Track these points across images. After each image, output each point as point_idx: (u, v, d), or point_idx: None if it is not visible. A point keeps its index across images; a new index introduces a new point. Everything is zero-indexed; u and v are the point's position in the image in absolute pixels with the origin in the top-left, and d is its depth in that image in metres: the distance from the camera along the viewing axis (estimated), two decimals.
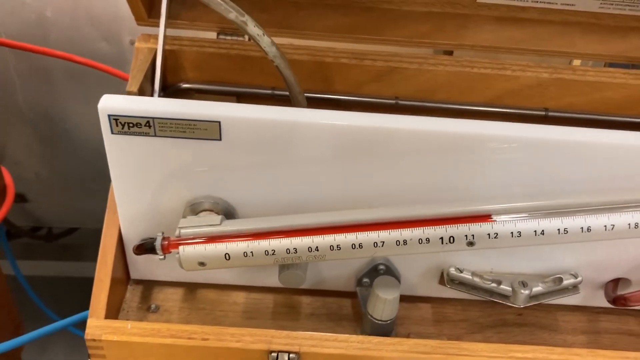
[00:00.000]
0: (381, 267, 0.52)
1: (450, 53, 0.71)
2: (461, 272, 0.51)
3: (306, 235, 0.44)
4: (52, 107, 1.03)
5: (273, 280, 0.53)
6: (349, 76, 0.59)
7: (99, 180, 1.14)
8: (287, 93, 0.54)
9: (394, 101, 0.60)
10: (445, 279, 0.52)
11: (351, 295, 0.56)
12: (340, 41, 0.60)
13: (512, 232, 0.44)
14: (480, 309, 0.56)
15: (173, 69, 0.58)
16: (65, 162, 1.13)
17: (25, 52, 0.90)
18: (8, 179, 0.83)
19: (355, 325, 0.54)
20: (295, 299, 0.56)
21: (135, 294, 0.55)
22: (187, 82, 0.59)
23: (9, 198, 0.80)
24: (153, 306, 0.54)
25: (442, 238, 0.44)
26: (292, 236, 0.45)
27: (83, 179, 1.15)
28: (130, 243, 0.51)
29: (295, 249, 0.44)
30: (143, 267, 0.54)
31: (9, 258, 1.03)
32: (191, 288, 0.56)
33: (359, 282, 0.54)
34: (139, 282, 0.56)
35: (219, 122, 0.44)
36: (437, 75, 0.59)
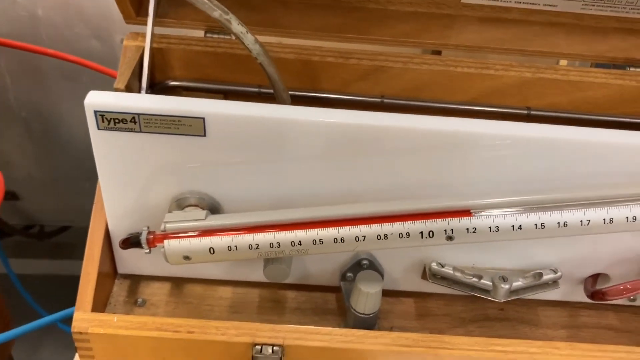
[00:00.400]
0: (365, 261, 0.53)
1: (438, 53, 0.72)
2: (443, 266, 0.52)
3: (289, 230, 0.45)
4: (43, 106, 1.04)
5: (259, 275, 0.54)
6: (335, 75, 0.60)
7: (90, 178, 1.14)
8: (271, 92, 0.54)
9: (379, 100, 0.60)
10: (427, 273, 0.53)
11: (335, 289, 0.57)
12: (326, 40, 0.61)
13: (490, 227, 0.45)
14: (462, 303, 0.57)
15: (161, 66, 0.59)
16: (57, 160, 1.13)
17: (17, 51, 0.90)
18: None
19: (339, 319, 0.55)
20: (280, 293, 0.57)
21: (122, 288, 0.56)
22: (175, 80, 0.60)
23: None
24: (140, 300, 0.55)
25: (422, 232, 0.45)
26: (276, 231, 0.45)
27: (75, 177, 1.16)
28: (117, 238, 0.52)
29: (279, 243, 0.45)
30: (130, 261, 0.55)
31: (1, 256, 1.04)
32: (178, 283, 0.57)
33: (343, 277, 0.55)
34: (126, 276, 0.56)
35: (204, 119, 0.45)
36: (422, 74, 0.60)
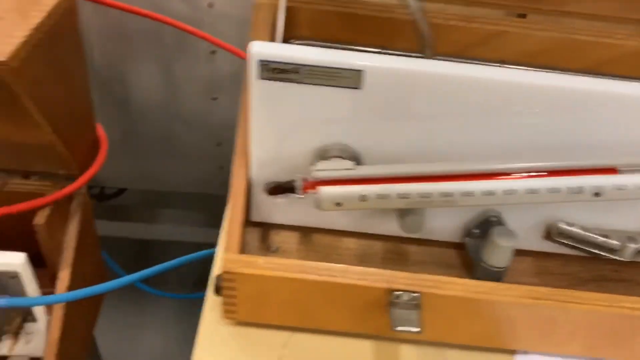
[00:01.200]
0: (493, 218, 0.55)
1: (523, 16, 0.72)
2: (571, 226, 0.54)
3: (441, 182, 0.47)
4: (124, 65, 1.06)
5: (384, 228, 0.56)
6: (457, 38, 0.61)
7: (150, 142, 1.17)
8: (396, 52, 0.56)
9: (498, 65, 0.62)
10: (553, 232, 0.55)
11: (455, 245, 0.59)
12: (449, 3, 0.62)
13: (638, 185, 0.46)
14: (579, 264, 0.59)
15: (287, 25, 0.60)
16: (130, 122, 1.15)
17: (102, 10, 0.92)
18: (101, 132, 0.86)
19: (462, 273, 0.57)
20: (402, 247, 0.59)
21: (254, 236, 0.58)
22: (299, 39, 0.62)
23: (102, 152, 0.83)
24: (274, 247, 0.57)
25: (569, 188, 0.46)
26: (426, 182, 0.47)
27: (143, 139, 1.18)
28: (258, 185, 0.54)
29: (430, 194, 0.47)
30: (264, 210, 0.57)
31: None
32: (305, 232, 0.59)
33: (468, 233, 0.56)
34: (256, 224, 0.59)
35: (362, 71, 0.47)
36: (543, 40, 0.61)
